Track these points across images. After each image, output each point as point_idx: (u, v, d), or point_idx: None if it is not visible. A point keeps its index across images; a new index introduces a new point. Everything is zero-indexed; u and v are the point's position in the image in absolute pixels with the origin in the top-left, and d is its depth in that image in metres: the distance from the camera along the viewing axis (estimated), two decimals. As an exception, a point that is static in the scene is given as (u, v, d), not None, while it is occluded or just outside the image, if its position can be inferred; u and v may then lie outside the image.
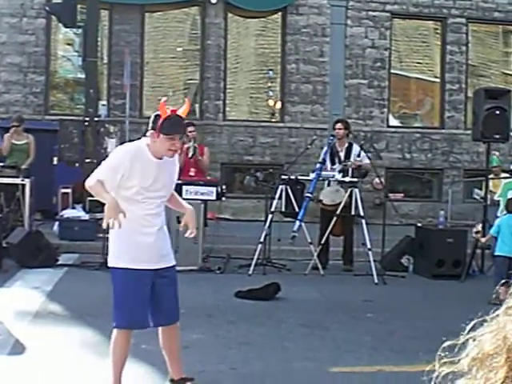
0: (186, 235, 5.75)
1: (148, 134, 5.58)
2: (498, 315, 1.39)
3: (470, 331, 1.41)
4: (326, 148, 12.25)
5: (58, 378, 6.25)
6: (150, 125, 5.54)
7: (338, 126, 12.37)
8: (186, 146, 12.45)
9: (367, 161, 12.27)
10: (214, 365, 6.76)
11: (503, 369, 1.30)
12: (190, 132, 12.47)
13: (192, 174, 12.52)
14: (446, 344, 1.45)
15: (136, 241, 5.53)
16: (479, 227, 10.63)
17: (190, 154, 12.70)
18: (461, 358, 1.40)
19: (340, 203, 11.69)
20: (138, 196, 5.50)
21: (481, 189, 13.98)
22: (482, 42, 19.59)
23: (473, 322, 1.44)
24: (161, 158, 5.57)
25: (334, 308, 9.49)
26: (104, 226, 5.47)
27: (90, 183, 5.56)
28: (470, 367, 1.37)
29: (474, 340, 1.38)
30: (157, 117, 5.53)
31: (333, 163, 12.11)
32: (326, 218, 12.01)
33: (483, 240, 10.68)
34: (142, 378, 6.31)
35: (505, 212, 10.84)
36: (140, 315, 5.60)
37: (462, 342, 1.41)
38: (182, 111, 5.61)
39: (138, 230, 5.54)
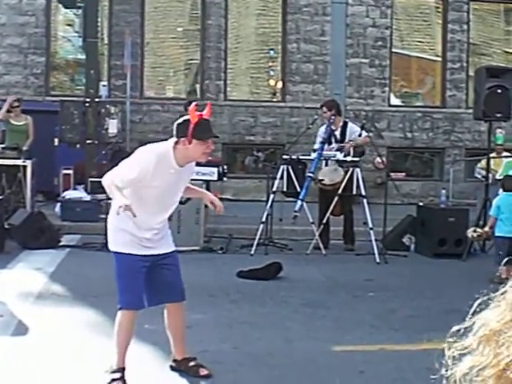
0: (218, 212, 6.06)
1: (171, 140, 5.51)
2: (504, 293, 1.39)
3: (475, 311, 1.42)
4: (324, 127, 12.18)
5: (61, 358, 6.27)
6: (176, 132, 5.49)
7: (323, 110, 12.33)
8: None
9: (364, 134, 12.15)
10: (216, 344, 6.78)
11: None
12: None
13: None
14: (454, 328, 1.46)
15: (141, 235, 5.58)
16: (479, 230, 10.51)
17: None
18: (467, 339, 1.41)
19: (338, 182, 11.69)
20: (158, 197, 5.54)
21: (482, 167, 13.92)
22: (484, 20, 19.51)
23: (478, 301, 1.45)
24: (182, 166, 5.54)
25: (336, 287, 9.51)
26: (116, 212, 5.36)
27: (106, 182, 5.46)
28: (477, 344, 1.38)
29: (480, 320, 1.39)
30: (185, 123, 5.48)
31: (329, 143, 12.08)
32: (324, 197, 12.01)
33: (487, 229, 10.55)
34: (145, 357, 6.34)
35: (501, 191, 10.78)
36: (139, 296, 5.65)
37: (468, 322, 1.42)
38: (208, 115, 5.61)
39: (145, 227, 5.57)
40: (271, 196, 11.75)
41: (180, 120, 5.58)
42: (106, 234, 6.25)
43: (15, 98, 14.42)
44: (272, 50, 18.66)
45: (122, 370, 5.68)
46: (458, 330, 1.44)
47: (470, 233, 10.49)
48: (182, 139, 5.46)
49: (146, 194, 5.52)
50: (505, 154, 14.30)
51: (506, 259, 9.53)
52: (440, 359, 1.45)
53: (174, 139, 5.52)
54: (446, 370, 1.42)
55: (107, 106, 14.53)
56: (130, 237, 5.58)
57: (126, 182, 5.46)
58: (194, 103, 5.63)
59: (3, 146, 13.48)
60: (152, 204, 5.55)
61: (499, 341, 1.33)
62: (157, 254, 5.67)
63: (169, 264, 5.75)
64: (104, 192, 5.83)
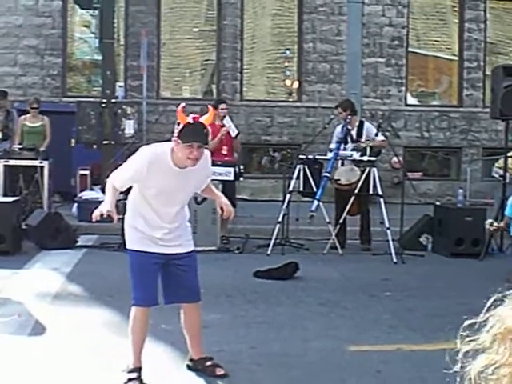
0: (225, 217, 6.10)
1: (172, 140, 5.46)
2: None
3: (489, 308, 1.41)
4: (340, 127, 12.15)
5: (78, 358, 6.29)
6: (175, 131, 5.45)
7: (338, 110, 12.32)
8: (226, 125, 12.30)
9: (380, 138, 12.16)
10: (233, 344, 6.78)
11: None
12: (222, 109, 12.38)
13: (225, 152, 12.41)
14: (467, 323, 1.44)
15: (150, 233, 5.60)
16: (496, 224, 10.47)
17: (233, 134, 12.52)
18: (481, 335, 1.39)
19: (355, 182, 11.67)
20: (158, 197, 5.53)
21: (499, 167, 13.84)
22: (501, 19, 19.42)
23: (491, 299, 1.43)
24: (185, 167, 5.44)
25: (353, 287, 9.49)
26: (93, 217, 5.49)
27: (109, 180, 5.64)
28: (491, 342, 1.36)
29: (494, 317, 1.38)
30: (179, 124, 5.40)
31: (346, 143, 12.05)
32: (341, 197, 11.99)
33: (502, 224, 10.53)
34: (162, 357, 6.34)
35: None
36: (152, 293, 5.64)
37: (482, 320, 1.41)
38: (205, 119, 5.44)
39: (154, 225, 5.59)
40: (287, 196, 11.74)
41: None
42: (122, 234, 6.28)
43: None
44: (288, 49, 18.64)
45: (138, 369, 5.69)
46: (471, 325, 1.43)
47: (487, 224, 10.48)
48: (174, 140, 5.40)
49: (146, 193, 5.56)
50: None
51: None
52: (455, 358, 1.44)
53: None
54: (461, 367, 1.41)
55: (124, 106, 14.55)
56: (141, 234, 5.60)
57: (123, 182, 5.59)
58: (182, 105, 5.52)
59: (20, 146, 13.53)
60: (154, 204, 5.57)
61: None
62: (171, 254, 5.66)
63: (184, 265, 5.73)
64: (121, 192, 5.85)
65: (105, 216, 5.41)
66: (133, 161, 5.57)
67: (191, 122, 5.33)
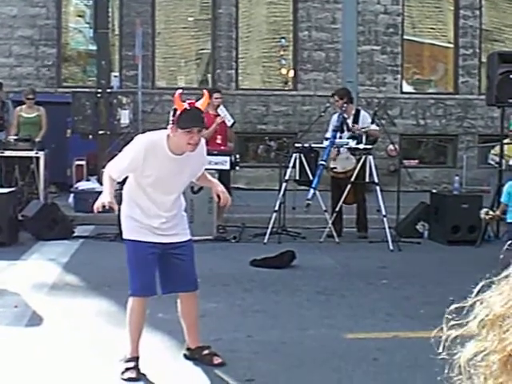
0: (222, 205, 6.05)
1: (168, 127, 5.47)
2: (508, 276, 1.37)
3: (477, 294, 1.40)
4: (337, 115, 12.14)
5: (76, 348, 6.30)
6: (169, 119, 5.45)
7: (335, 98, 12.30)
8: (220, 115, 12.28)
9: (374, 127, 12.15)
10: (230, 333, 6.79)
11: None
12: (217, 99, 12.36)
13: (219, 141, 12.40)
14: (453, 307, 1.44)
15: (147, 222, 5.59)
16: (491, 213, 10.46)
17: (229, 123, 12.50)
18: (469, 321, 1.39)
19: (350, 170, 11.68)
20: (155, 185, 5.53)
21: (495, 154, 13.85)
22: (496, 6, 19.40)
23: (480, 285, 1.43)
24: (181, 154, 5.47)
25: (350, 275, 9.51)
26: (95, 209, 5.52)
27: (105, 171, 5.68)
28: (480, 329, 1.36)
29: (482, 302, 1.37)
30: (175, 110, 5.41)
31: (342, 131, 12.04)
32: (337, 185, 12.00)
33: (498, 212, 10.52)
34: (159, 346, 6.35)
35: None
36: (149, 283, 5.65)
37: (469, 305, 1.40)
38: (201, 103, 5.48)
39: (150, 214, 5.59)
40: (284, 185, 11.74)
41: (174, 106, 5.54)
42: (118, 225, 6.28)
43: None
44: (283, 38, 18.62)
45: (135, 358, 5.69)
46: (458, 309, 1.43)
47: (482, 214, 10.47)
48: (171, 127, 5.41)
49: (143, 182, 5.56)
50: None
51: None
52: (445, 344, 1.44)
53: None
54: (448, 354, 1.41)
55: (119, 96, 14.54)
56: (138, 224, 5.61)
57: (120, 172, 5.61)
58: (179, 91, 5.55)
59: (16, 137, 13.50)
60: (151, 192, 5.57)
61: (503, 326, 1.31)
62: (168, 243, 5.67)
63: (181, 254, 5.74)
64: (118, 182, 5.87)
65: (106, 207, 5.42)
66: (129, 150, 5.57)
67: (188, 107, 5.35)
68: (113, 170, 5.61)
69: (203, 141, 5.69)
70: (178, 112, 5.35)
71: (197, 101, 5.53)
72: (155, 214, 5.60)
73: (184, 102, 5.41)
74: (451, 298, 1.51)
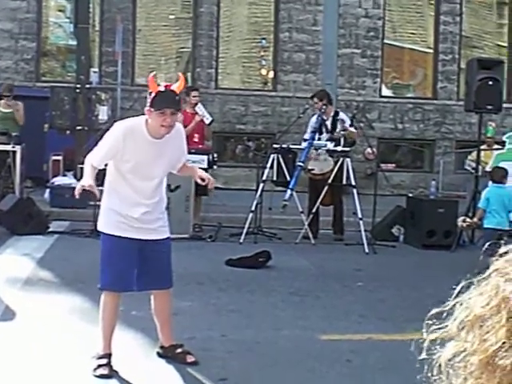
0: (210, 187, 6.00)
1: (145, 110, 5.51)
2: (486, 277, 1.37)
3: (456, 295, 1.40)
4: (315, 117, 12.15)
5: (48, 343, 6.26)
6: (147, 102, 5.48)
7: (314, 100, 12.31)
8: (198, 113, 12.21)
9: (351, 130, 12.16)
10: (203, 331, 6.77)
11: (503, 329, 1.28)
12: (194, 97, 12.29)
13: (196, 139, 12.35)
14: (433, 311, 1.44)
15: (126, 213, 5.56)
16: (468, 220, 10.52)
17: (207, 121, 12.42)
18: (448, 323, 1.38)
19: (328, 172, 11.70)
20: (135, 170, 5.51)
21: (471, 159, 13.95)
22: (476, 12, 19.52)
23: (459, 287, 1.43)
24: (160, 138, 5.49)
25: (325, 277, 9.51)
26: (76, 193, 5.50)
27: (86, 160, 5.66)
28: (459, 330, 1.35)
29: (462, 304, 1.37)
30: (150, 93, 5.45)
31: (320, 133, 12.05)
32: (314, 187, 12.01)
33: (475, 219, 10.57)
34: (132, 344, 6.33)
35: (490, 183, 10.79)
36: (121, 278, 5.63)
37: (449, 308, 1.40)
38: (177, 86, 5.52)
39: (131, 202, 5.56)
40: (261, 185, 11.74)
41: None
42: (94, 221, 6.26)
43: None
44: (264, 39, 18.62)
45: (108, 355, 5.67)
46: (438, 313, 1.43)
47: (459, 222, 10.52)
48: (147, 109, 5.45)
49: (122, 168, 5.55)
50: (495, 146, 14.31)
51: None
52: (422, 347, 1.44)
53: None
54: (428, 355, 1.40)
55: (98, 92, 14.49)
56: (118, 217, 5.57)
57: (100, 159, 5.61)
58: (153, 73, 5.60)
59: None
60: (131, 178, 5.55)
61: (484, 327, 1.31)
62: (146, 240, 5.64)
63: (159, 251, 5.71)
64: (97, 180, 5.84)
65: (87, 188, 5.37)
66: (107, 137, 5.61)
67: (162, 90, 5.41)
68: (93, 157, 5.62)
69: (180, 126, 5.73)
70: (153, 94, 5.39)
71: (173, 84, 5.58)
72: (135, 201, 5.56)
73: (159, 85, 5.48)
74: (428, 303, 1.51)
